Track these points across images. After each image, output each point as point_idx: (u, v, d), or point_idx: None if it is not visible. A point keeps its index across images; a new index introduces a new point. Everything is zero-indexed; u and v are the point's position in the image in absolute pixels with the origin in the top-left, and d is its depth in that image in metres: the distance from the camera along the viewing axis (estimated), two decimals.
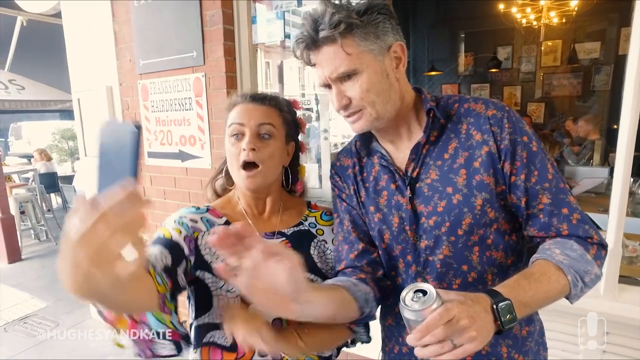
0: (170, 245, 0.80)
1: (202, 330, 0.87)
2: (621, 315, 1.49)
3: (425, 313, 0.60)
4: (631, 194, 2.44)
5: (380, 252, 0.90)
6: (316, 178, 2.62)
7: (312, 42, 0.76)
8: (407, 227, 0.85)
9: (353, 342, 0.96)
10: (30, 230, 5.69)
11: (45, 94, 5.81)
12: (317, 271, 0.92)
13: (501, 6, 4.35)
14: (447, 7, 5.21)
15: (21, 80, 5.73)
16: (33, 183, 6.54)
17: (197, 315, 0.88)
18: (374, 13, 0.76)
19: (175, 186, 2.57)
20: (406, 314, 0.62)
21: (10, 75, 5.74)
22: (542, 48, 5.11)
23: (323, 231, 0.97)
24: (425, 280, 0.84)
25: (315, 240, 0.95)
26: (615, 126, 1.65)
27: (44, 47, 5.72)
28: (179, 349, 0.80)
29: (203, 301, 0.86)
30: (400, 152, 0.87)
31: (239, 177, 0.87)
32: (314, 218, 0.98)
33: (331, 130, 2.39)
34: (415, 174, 0.84)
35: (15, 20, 5.02)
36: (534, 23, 4.53)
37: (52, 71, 5.96)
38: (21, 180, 6.93)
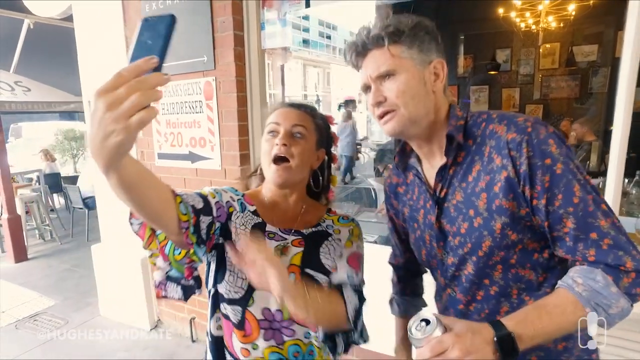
0: (203, 198, 0.88)
1: (216, 298, 0.95)
2: None
3: (426, 341, 0.68)
4: (625, 194, 2.52)
5: (421, 262, 1.03)
6: None
7: (362, 46, 0.84)
8: (435, 244, 0.91)
9: (347, 342, 0.94)
10: (35, 230, 5.75)
11: (50, 96, 5.87)
12: (321, 267, 0.96)
13: (501, 10, 4.43)
14: (447, 10, 5.27)
15: (27, 82, 5.79)
16: (37, 183, 6.61)
17: (214, 283, 0.95)
18: (422, 31, 0.83)
19: (185, 186, 2.64)
20: (412, 340, 0.71)
21: (16, 77, 5.79)
22: (541, 51, 5.18)
23: (340, 231, 1.03)
24: (453, 292, 0.92)
25: (330, 239, 1.01)
26: (612, 127, 1.71)
27: (49, 49, 5.78)
28: (187, 295, 0.90)
29: (220, 272, 0.93)
30: (434, 170, 0.90)
31: (270, 171, 0.94)
32: (331, 221, 1.05)
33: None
34: (442, 194, 0.88)
35: (22, 23, 5.08)
36: (533, 27, 4.60)
37: (57, 73, 6.03)
38: (24, 180, 7.01)
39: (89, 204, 5.55)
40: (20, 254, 4.86)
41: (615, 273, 0.71)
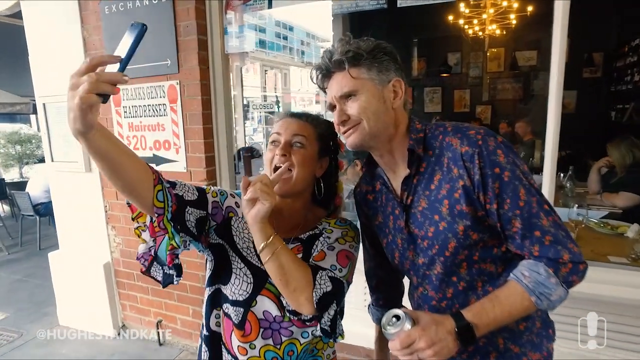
0: (202, 194, 0.94)
1: (218, 297, 0.99)
2: None
3: (397, 335, 0.80)
4: (562, 187, 2.80)
5: (393, 265, 1.07)
6: None
7: (327, 69, 0.91)
8: (407, 247, 0.98)
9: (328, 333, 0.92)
10: None
11: None
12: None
13: (450, 17, 4.71)
14: (400, 15, 5.45)
15: None
16: None
17: (215, 281, 1.00)
18: (380, 52, 0.89)
19: None
20: (386, 335, 0.83)
21: None
22: (488, 55, 5.54)
23: (332, 231, 1.01)
24: (425, 290, 0.99)
25: (321, 238, 1.00)
26: None
27: None
28: (166, 282, 0.95)
29: (224, 274, 0.98)
30: (399, 179, 0.96)
31: None
32: (327, 224, 1.03)
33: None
34: (409, 201, 0.95)
35: None
36: (480, 33, 4.93)
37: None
38: None
39: (40, 210, 5.28)
40: None
41: (555, 265, 0.82)
